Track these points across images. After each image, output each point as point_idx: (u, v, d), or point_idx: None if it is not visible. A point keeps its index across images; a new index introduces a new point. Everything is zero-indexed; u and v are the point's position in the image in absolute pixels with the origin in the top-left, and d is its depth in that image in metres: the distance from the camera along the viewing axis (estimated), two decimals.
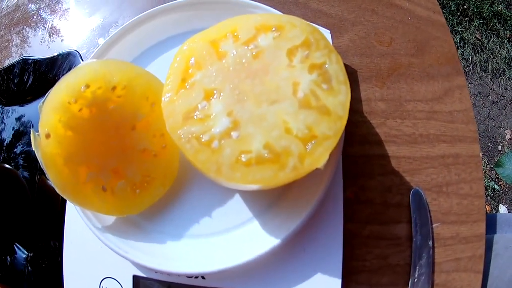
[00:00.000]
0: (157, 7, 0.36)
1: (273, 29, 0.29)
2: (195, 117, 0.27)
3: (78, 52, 0.41)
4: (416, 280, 0.34)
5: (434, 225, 0.35)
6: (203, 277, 0.32)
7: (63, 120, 0.30)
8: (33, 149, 0.30)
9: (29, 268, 0.37)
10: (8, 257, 0.38)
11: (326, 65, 0.28)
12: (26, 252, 0.38)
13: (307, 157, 0.26)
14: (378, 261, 0.34)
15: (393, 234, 0.34)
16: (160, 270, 0.30)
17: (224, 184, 0.27)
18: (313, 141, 0.26)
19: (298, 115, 0.26)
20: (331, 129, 0.26)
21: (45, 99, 0.30)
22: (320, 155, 0.26)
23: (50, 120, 0.30)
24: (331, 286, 0.30)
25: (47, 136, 0.30)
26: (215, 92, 0.27)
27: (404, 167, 0.35)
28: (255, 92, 0.27)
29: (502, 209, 0.96)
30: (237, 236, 0.31)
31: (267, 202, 0.31)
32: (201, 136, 0.26)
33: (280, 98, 0.27)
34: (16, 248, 0.38)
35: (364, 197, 0.35)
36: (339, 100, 0.27)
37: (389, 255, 0.34)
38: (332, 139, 0.26)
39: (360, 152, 0.35)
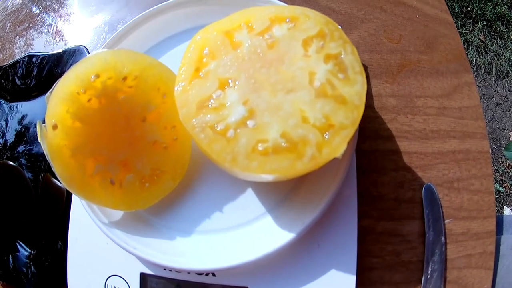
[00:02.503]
0: (168, 1, 0.35)
1: (287, 20, 0.28)
2: (209, 106, 0.25)
3: (86, 48, 0.39)
4: (429, 276, 0.32)
5: (446, 221, 0.33)
6: (213, 274, 0.30)
7: (71, 111, 0.28)
8: (39, 141, 0.28)
9: (32, 266, 0.35)
10: (10, 255, 0.36)
11: (342, 56, 0.26)
12: (29, 250, 0.36)
13: (325, 146, 0.24)
14: (391, 258, 0.32)
15: (406, 230, 0.33)
16: (169, 266, 0.28)
17: (239, 175, 0.25)
18: (331, 130, 0.24)
19: (314, 104, 0.25)
20: (348, 118, 0.25)
21: (52, 89, 0.29)
22: (338, 145, 0.24)
23: (58, 111, 0.28)
24: (345, 282, 0.29)
25: (54, 127, 0.28)
26: (230, 81, 0.26)
27: (415, 162, 0.34)
28: (270, 81, 0.26)
29: (507, 211, 0.94)
30: (250, 232, 0.29)
31: (280, 196, 0.30)
32: (215, 125, 0.25)
33: (296, 87, 0.25)
34: (18, 246, 0.36)
35: (377, 193, 0.33)
36: (355, 90, 0.26)
37: (402, 252, 0.32)
38: (349, 128, 0.25)
39: (372, 147, 0.34)
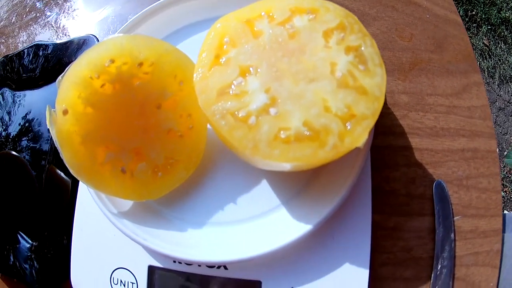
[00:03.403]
0: None
1: (308, 11, 0.27)
2: (230, 92, 0.25)
3: (96, 37, 0.38)
4: (438, 273, 0.32)
5: (455, 218, 0.33)
6: (225, 267, 0.29)
7: (83, 96, 0.27)
8: (48, 126, 0.27)
9: (34, 258, 0.33)
10: (11, 246, 0.34)
11: (362, 48, 0.26)
12: (30, 241, 0.34)
13: (347, 135, 0.24)
14: (402, 254, 0.32)
15: (417, 226, 0.32)
16: (180, 258, 0.27)
17: (259, 163, 0.25)
18: (352, 120, 0.24)
19: (336, 94, 0.24)
20: (369, 109, 0.24)
21: (64, 73, 0.27)
22: (359, 134, 0.24)
23: (69, 96, 0.27)
24: (359, 275, 0.28)
25: (65, 112, 0.27)
26: (251, 69, 0.25)
27: (426, 159, 0.33)
28: (292, 70, 0.25)
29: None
30: (264, 224, 0.28)
31: (296, 188, 0.29)
32: (236, 112, 0.24)
33: (318, 77, 0.25)
34: (20, 238, 0.34)
35: (389, 188, 0.33)
36: (375, 82, 0.25)
37: (413, 248, 0.32)
38: (370, 118, 0.24)
39: (385, 143, 0.34)
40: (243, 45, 0.26)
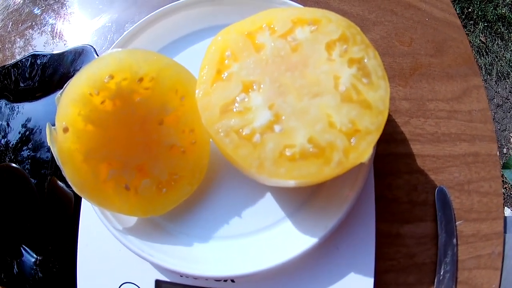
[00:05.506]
0: (180, 1, 0.33)
1: (310, 22, 0.26)
2: (234, 110, 0.24)
3: (93, 47, 0.37)
4: (441, 278, 0.32)
5: (457, 223, 0.33)
6: (232, 281, 0.28)
7: (83, 113, 0.26)
8: (49, 144, 0.26)
9: (39, 272, 0.32)
10: (14, 259, 0.33)
11: (365, 60, 0.25)
12: (35, 255, 0.33)
13: (351, 151, 0.23)
14: (405, 260, 0.32)
15: (419, 232, 0.32)
16: (187, 273, 0.26)
17: (264, 181, 0.24)
18: (357, 135, 0.23)
19: (340, 109, 0.24)
20: (373, 124, 0.24)
21: (63, 90, 0.26)
22: (364, 150, 0.23)
23: (69, 113, 0.26)
24: (364, 285, 0.28)
25: (65, 130, 0.26)
26: (254, 84, 0.24)
27: (428, 165, 0.33)
28: (296, 85, 0.24)
29: (507, 211, 0.95)
30: (270, 237, 0.28)
31: (300, 200, 0.29)
32: (241, 129, 0.23)
33: (322, 92, 0.24)
34: (23, 251, 0.33)
35: (392, 196, 0.32)
36: (379, 95, 0.25)
37: (416, 254, 0.32)
38: (374, 133, 0.24)
39: (387, 150, 0.33)
40: (245, 59, 0.25)
